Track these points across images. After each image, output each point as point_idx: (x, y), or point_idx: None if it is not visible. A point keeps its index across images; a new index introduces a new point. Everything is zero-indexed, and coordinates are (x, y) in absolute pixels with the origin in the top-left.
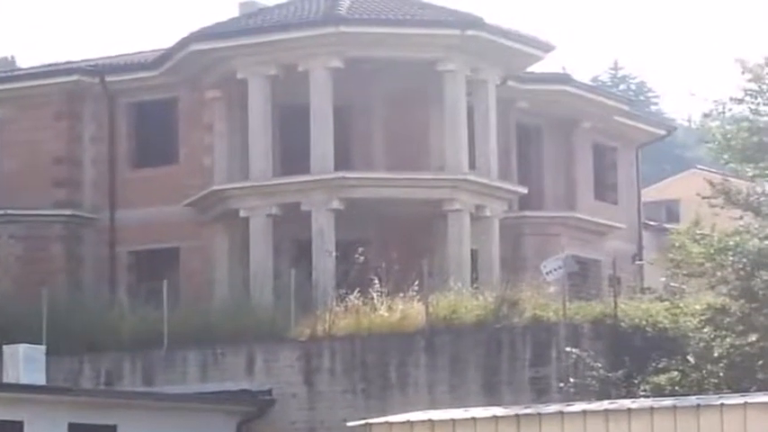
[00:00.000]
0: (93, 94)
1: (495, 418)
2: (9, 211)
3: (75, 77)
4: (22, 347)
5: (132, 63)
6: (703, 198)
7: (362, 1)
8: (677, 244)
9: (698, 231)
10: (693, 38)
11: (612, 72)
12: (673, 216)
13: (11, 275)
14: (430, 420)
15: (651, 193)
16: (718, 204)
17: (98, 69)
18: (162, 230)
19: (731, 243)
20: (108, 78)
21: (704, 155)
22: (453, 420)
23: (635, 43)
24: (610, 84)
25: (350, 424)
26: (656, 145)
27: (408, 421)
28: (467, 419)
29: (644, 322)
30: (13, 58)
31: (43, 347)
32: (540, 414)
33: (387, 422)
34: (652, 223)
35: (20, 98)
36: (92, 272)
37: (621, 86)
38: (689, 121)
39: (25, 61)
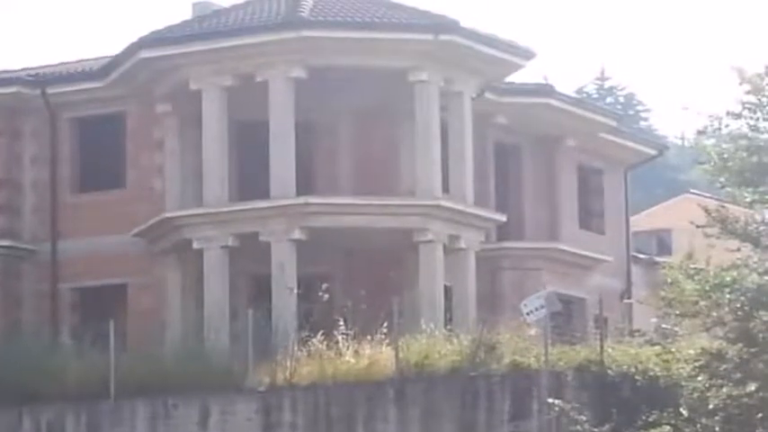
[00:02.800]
0: (34, 108)
1: None
2: None
3: (13, 89)
4: None
5: (76, 73)
6: (697, 227)
7: (326, 2)
8: (669, 280)
9: (692, 265)
10: (686, 46)
11: (599, 83)
12: (664, 247)
13: None
14: None
15: (641, 222)
16: (714, 234)
17: (39, 80)
18: (108, 264)
19: (728, 279)
20: (49, 90)
21: (698, 178)
22: None
23: (623, 52)
24: (596, 96)
25: None
26: (646, 167)
27: None
28: None
29: (633, 369)
30: None
31: None
32: None
33: None
34: (642, 256)
35: None
36: (31, 311)
37: (609, 99)
38: (682, 138)
39: None
